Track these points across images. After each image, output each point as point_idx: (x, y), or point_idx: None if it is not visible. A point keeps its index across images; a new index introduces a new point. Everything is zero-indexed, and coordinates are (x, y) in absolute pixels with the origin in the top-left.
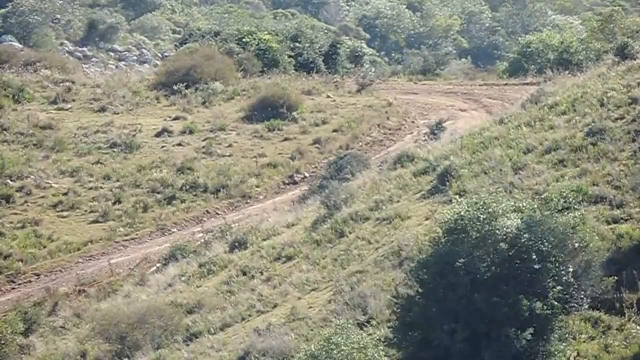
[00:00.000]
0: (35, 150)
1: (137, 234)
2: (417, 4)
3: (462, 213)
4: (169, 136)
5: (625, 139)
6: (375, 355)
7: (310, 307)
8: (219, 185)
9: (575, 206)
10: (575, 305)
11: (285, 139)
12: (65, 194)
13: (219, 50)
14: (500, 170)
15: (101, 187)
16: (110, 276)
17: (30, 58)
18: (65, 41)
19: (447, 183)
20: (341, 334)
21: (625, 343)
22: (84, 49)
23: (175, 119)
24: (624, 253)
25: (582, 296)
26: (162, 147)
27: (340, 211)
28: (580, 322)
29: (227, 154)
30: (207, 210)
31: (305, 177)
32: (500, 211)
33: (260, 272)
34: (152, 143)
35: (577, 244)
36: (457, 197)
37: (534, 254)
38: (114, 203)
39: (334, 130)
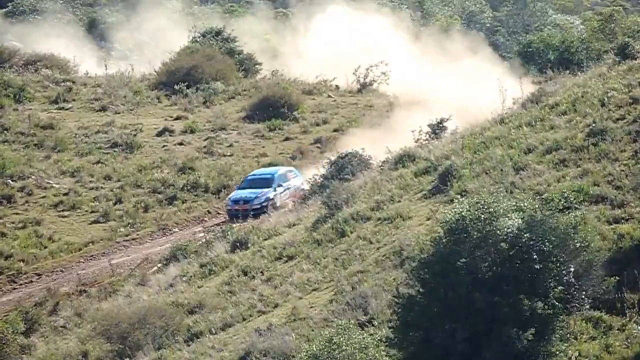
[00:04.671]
0: (36, 150)
1: (138, 234)
2: (418, 4)
3: (463, 213)
4: (170, 136)
5: (626, 139)
6: (377, 355)
7: (312, 307)
8: (220, 185)
9: (576, 206)
10: (577, 305)
11: (286, 139)
12: (66, 194)
13: (220, 50)
14: (501, 170)
15: (102, 187)
16: (112, 276)
17: (31, 58)
18: (66, 41)
19: (448, 183)
20: (342, 334)
21: (626, 343)
22: (85, 48)
23: (177, 118)
24: (625, 253)
25: (583, 296)
26: (163, 146)
27: (341, 211)
28: (581, 322)
29: (228, 154)
30: (208, 210)
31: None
32: (501, 211)
33: (261, 272)
34: (153, 143)
35: (578, 244)
36: (458, 197)
37: (535, 254)
38: (115, 203)
39: (335, 130)
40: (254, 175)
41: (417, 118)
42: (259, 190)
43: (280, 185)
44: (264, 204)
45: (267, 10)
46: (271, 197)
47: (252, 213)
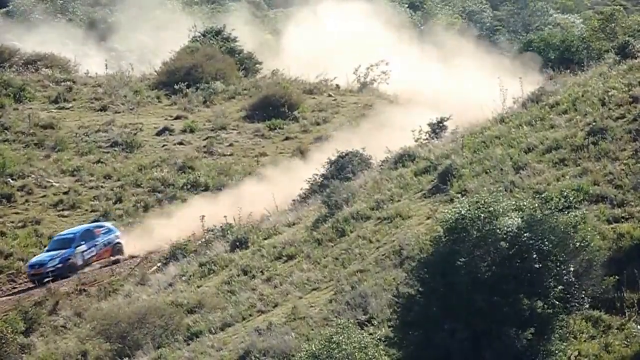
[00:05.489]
0: (36, 149)
1: None
2: (419, 4)
3: (463, 212)
4: (170, 135)
5: (626, 138)
6: (376, 354)
7: (311, 306)
8: (220, 184)
9: (576, 205)
10: (576, 304)
11: (287, 138)
12: (66, 193)
13: (220, 50)
14: (501, 169)
15: (102, 187)
16: (111, 276)
17: (31, 57)
18: (66, 40)
19: (448, 182)
20: (342, 333)
21: (625, 342)
22: (85, 48)
23: (176, 118)
24: (624, 252)
25: (582, 295)
26: (163, 146)
27: (341, 210)
28: (581, 322)
29: (228, 153)
30: None
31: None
32: (501, 210)
33: (261, 271)
34: (153, 142)
35: (578, 243)
36: (458, 196)
37: (534, 253)
38: (115, 202)
39: (335, 129)
40: (58, 235)
41: (416, 117)
42: (56, 252)
43: (81, 245)
44: (59, 265)
45: (254, 10)
46: (68, 257)
47: (50, 275)
